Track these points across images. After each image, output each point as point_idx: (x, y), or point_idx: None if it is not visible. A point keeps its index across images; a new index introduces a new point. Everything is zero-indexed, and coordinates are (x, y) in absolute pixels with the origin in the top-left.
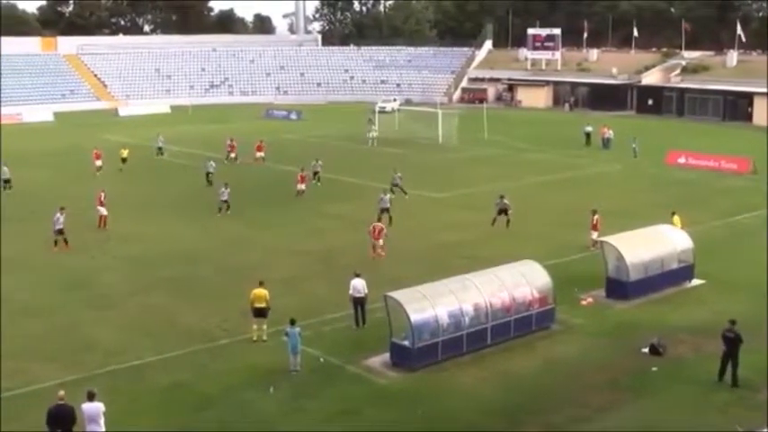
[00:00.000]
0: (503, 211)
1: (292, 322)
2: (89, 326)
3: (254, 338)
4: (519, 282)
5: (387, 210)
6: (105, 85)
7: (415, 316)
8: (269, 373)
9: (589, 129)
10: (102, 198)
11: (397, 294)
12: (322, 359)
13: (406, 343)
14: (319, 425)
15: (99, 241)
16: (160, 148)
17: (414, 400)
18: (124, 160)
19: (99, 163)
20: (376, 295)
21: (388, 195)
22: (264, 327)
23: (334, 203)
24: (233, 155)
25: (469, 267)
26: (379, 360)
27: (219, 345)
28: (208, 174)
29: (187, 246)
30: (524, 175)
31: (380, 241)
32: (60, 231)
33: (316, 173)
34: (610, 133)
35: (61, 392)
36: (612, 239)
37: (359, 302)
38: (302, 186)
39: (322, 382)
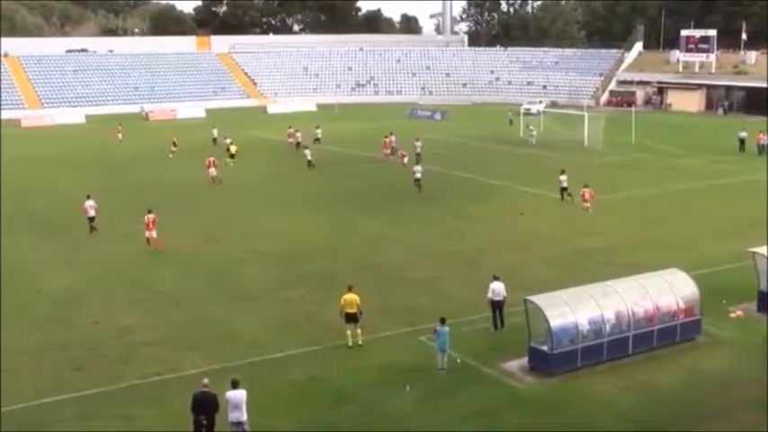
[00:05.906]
0: (563, 189)
1: (443, 321)
2: (231, 317)
3: (350, 344)
4: (663, 290)
5: (418, 180)
6: (255, 83)
7: (555, 321)
8: (405, 372)
9: (744, 134)
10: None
11: (537, 298)
12: (459, 360)
13: (545, 348)
14: (454, 425)
15: (241, 236)
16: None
17: (551, 405)
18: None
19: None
20: (514, 298)
21: (419, 166)
22: (359, 331)
23: (473, 204)
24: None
25: (611, 274)
26: (517, 364)
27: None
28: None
29: (327, 242)
30: (671, 180)
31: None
32: None
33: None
34: (766, 139)
35: (205, 380)
36: (765, 250)
37: (497, 305)
38: (387, 152)
39: (458, 383)
